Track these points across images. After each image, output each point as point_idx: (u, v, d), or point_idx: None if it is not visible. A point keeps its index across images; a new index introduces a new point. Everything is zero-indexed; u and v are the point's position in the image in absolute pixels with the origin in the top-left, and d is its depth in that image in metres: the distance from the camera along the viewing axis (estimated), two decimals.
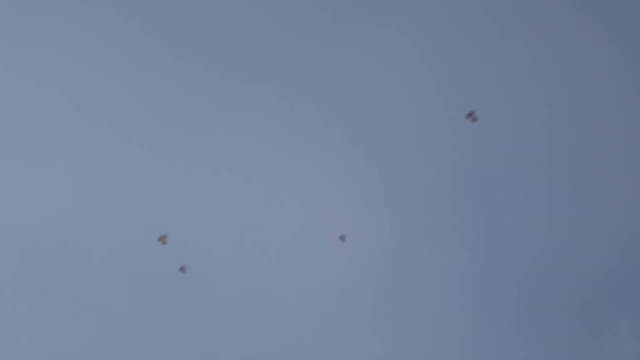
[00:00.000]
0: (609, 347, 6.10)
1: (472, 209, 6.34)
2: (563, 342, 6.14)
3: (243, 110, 6.44)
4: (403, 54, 6.43)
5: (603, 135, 6.30)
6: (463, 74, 6.40)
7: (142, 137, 6.42)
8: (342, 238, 6.38)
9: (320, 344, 6.37)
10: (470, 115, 6.22)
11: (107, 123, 6.38)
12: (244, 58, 6.44)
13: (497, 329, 6.21)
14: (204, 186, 6.46)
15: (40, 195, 6.36)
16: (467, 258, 6.34)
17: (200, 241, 6.41)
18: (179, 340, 6.36)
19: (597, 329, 6.18)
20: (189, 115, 6.44)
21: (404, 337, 6.32)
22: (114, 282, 6.37)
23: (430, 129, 6.39)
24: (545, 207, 6.27)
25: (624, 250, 6.18)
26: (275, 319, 6.41)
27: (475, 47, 6.39)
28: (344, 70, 6.46)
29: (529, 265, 6.24)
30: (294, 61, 6.46)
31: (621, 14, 6.29)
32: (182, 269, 6.34)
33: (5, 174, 6.33)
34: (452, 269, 6.34)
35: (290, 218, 6.47)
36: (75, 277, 6.32)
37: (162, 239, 6.27)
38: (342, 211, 6.47)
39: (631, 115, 6.31)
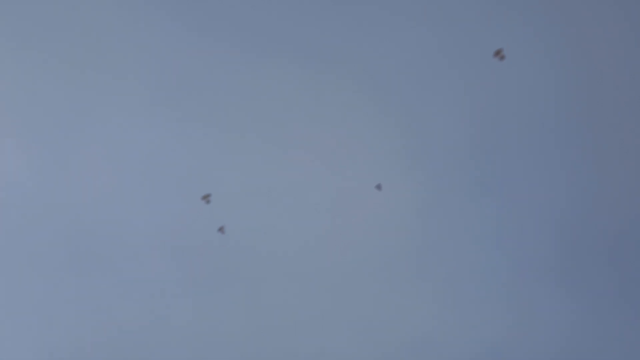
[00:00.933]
0: None
1: (504, 157, 6.31)
2: (599, 286, 6.10)
3: (272, 79, 6.47)
4: (416, 7, 6.46)
5: (632, 81, 6.23)
6: (483, 23, 6.38)
7: (175, 108, 6.47)
8: (379, 187, 6.40)
9: (356, 293, 6.41)
10: (499, 53, 6.17)
11: (140, 96, 6.48)
12: (269, 32, 6.52)
13: (535, 275, 6.18)
14: (239, 152, 6.53)
15: (78, 170, 6.50)
16: (500, 206, 6.31)
17: (238, 205, 6.48)
18: (220, 307, 6.43)
19: (631, 271, 6.13)
20: (219, 87, 6.48)
21: (442, 288, 6.32)
22: (156, 252, 6.49)
23: (454, 82, 6.39)
24: (577, 153, 6.22)
25: None
26: (315, 274, 6.46)
27: None
28: (364, 35, 6.46)
29: (562, 212, 6.20)
30: (313, 32, 6.46)
31: None
32: (221, 230, 6.44)
33: (41, 152, 6.50)
34: (487, 219, 6.32)
35: (326, 175, 6.52)
36: (118, 249, 6.44)
37: (206, 198, 6.37)
38: (376, 166, 6.50)
39: None
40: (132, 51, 6.56)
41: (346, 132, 6.57)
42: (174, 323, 6.49)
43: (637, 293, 6.09)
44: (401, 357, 6.32)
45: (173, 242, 6.58)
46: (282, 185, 6.57)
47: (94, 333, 6.39)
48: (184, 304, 6.51)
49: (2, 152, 6.47)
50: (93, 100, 6.56)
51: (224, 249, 6.56)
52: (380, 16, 6.49)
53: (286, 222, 6.57)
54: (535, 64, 6.33)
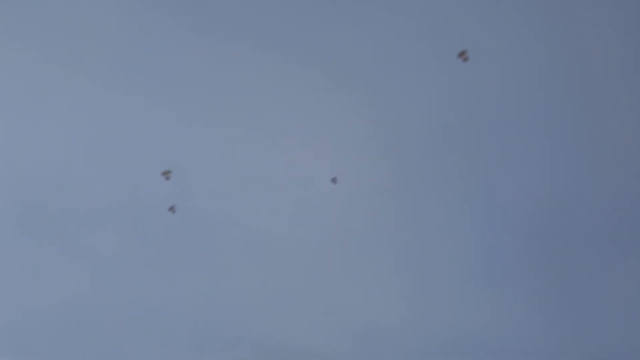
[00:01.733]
0: (611, 286, 5.99)
1: (468, 149, 6.30)
2: (567, 283, 6.04)
3: (236, 61, 6.47)
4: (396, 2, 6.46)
5: (600, 73, 6.22)
6: (455, 14, 6.39)
7: (144, 86, 6.49)
8: (334, 180, 6.34)
9: (311, 285, 6.34)
10: (462, 54, 6.17)
11: (108, 73, 6.44)
12: (239, 15, 6.55)
13: (499, 271, 6.13)
14: (201, 133, 6.50)
15: (39, 139, 6.45)
16: (461, 199, 6.28)
17: (197, 184, 6.44)
18: (172, 281, 6.36)
19: (600, 267, 6.08)
20: (189, 69, 6.48)
21: (395, 281, 6.25)
22: (111, 221, 6.42)
23: (423, 71, 6.37)
24: (544, 146, 6.20)
25: (623, 195, 6.07)
26: (269, 259, 6.41)
27: None
28: (335, 17, 6.49)
29: (530, 206, 6.17)
30: (286, 16, 6.54)
31: None
32: (172, 209, 6.36)
33: (5, 120, 6.45)
34: (448, 212, 6.29)
35: (284, 161, 6.47)
36: (72, 216, 6.37)
37: (166, 174, 6.30)
38: (335, 154, 6.46)
39: (628, 55, 6.23)
40: (101, 33, 6.55)
41: (315, 118, 6.52)
42: (123, 295, 6.39)
43: (607, 285, 6.02)
44: (367, 346, 6.24)
45: (127, 214, 6.50)
46: (245, 165, 6.51)
47: (43, 300, 6.30)
48: (133, 276, 6.42)
49: None
50: (57, 74, 6.53)
51: (177, 226, 6.49)
52: (360, 11, 6.48)
53: (250, 202, 6.51)
54: (509, 62, 6.30)
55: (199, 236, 6.43)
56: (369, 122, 6.48)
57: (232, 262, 6.44)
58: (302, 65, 6.52)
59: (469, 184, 6.24)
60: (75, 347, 6.15)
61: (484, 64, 6.28)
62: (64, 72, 6.58)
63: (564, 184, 6.19)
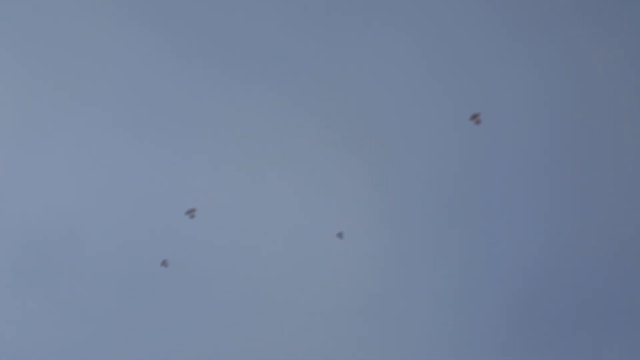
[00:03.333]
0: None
1: (472, 213, 6.30)
2: (552, 356, 6.12)
3: (245, 109, 6.39)
4: (404, 54, 6.37)
5: (602, 146, 6.22)
6: (465, 78, 6.33)
7: (143, 132, 6.35)
8: (340, 235, 6.33)
9: (313, 340, 6.36)
10: (475, 117, 6.12)
11: (106, 118, 6.34)
12: (247, 58, 6.39)
13: (490, 336, 6.19)
14: (204, 183, 6.43)
15: (40, 187, 6.37)
16: (463, 262, 6.30)
17: (200, 237, 6.38)
18: (173, 335, 6.36)
19: (586, 344, 6.16)
20: (192, 114, 6.38)
21: (396, 338, 6.31)
22: (110, 276, 6.38)
23: (432, 132, 6.34)
24: (544, 216, 6.22)
25: (613, 272, 6.12)
26: (271, 315, 6.39)
27: (477, 50, 6.32)
28: (345, 71, 6.40)
29: (525, 273, 6.21)
30: (296, 64, 6.40)
31: (623, 21, 6.19)
32: (164, 264, 6.33)
33: (5, 166, 6.34)
34: (448, 274, 6.31)
35: (289, 215, 6.44)
36: (74, 269, 6.32)
37: (191, 213, 6.25)
38: (341, 210, 6.44)
39: (632, 124, 6.23)
40: (100, 72, 6.40)
41: (321, 174, 6.48)
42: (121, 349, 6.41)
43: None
44: None
45: (127, 266, 6.47)
46: (249, 218, 6.48)
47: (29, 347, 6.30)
48: (135, 328, 6.42)
49: None
50: (57, 118, 6.40)
51: (178, 279, 6.47)
52: (363, 52, 6.39)
53: (249, 254, 6.50)
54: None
55: (194, 292, 6.41)
56: (376, 180, 6.45)
57: (234, 317, 6.45)
58: (310, 123, 6.45)
59: (465, 256, 6.27)
60: None
61: (497, 129, 6.24)
62: (65, 115, 6.46)
63: (561, 263, 6.23)
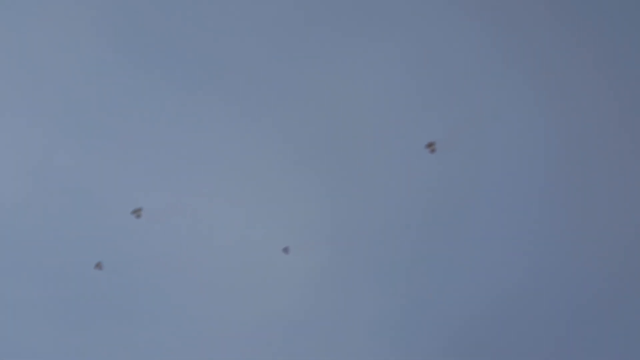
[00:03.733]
0: None
1: (418, 241, 6.21)
2: None
3: (189, 123, 6.26)
4: (365, 66, 6.26)
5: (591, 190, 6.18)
6: (430, 103, 6.24)
7: (83, 132, 6.20)
8: (286, 250, 6.19)
9: (248, 355, 6.22)
10: (430, 145, 6.04)
11: (45, 115, 6.14)
12: (191, 62, 6.26)
13: None
14: (151, 189, 6.24)
15: None
16: (408, 287, 6.21)
17: (141, 244, 6.20)
18: (102, 338, 6.16)
19: None
20: (138, 117, 6.23)
21: (329, 356, 6.19)
22: (41, 276, 6.15)
23: (386, 153, 6.25)
24: (495, 251, 6.16)
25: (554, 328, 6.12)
26: (208, 328, 6.24)
27: (436, 71, 6.23)
28: (297, 83, 6.29)
29: (471, 307, 6.15)
30: (245, 73, 6.31)
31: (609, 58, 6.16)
32: (98, 266, 6.13)
33: None
34: (391, 296, 6.22)
35: (235, 227, 6.29)
36: (5, 268, 6.09)
37: (137, 212, 6.05)
38: (288, 225, 6.30)
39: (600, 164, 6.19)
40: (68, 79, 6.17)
41: (267, 186, 6.33)
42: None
43: None
44: None
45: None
46: (194, 232, 6.29)
47: None
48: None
49: None
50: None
51: (118, 295, 6.25)
52: (321, 70, 6.30)
53: (196, 267, 6.31)
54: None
55: (127, 300, 6.20)
56: (323, 200, 6.32)
57: (159, 328, 6.25)
58: (258, 138, 6.30)
59: (411, 281, 6.18)
60: None
61: (446, 159, 6.16)
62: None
63: (506, 298, 6.18)
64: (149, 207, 6.24)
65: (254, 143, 6.34)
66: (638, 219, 6.15)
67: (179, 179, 6.30)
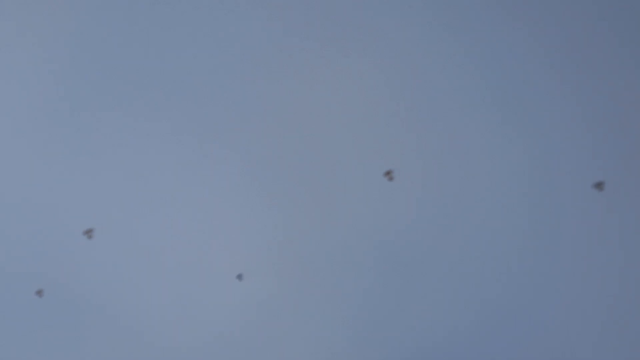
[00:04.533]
0: None
1: (373, 273, 6.07)
2: None
3: (136, 138, 6.14)
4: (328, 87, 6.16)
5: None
6: (386, 131, 6.12)
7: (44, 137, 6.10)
8: (239, 277, 6.03)
9: None
10: (388, 173, 5.94)
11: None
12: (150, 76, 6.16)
13: None
14: (100, 210, 6.11)
15: None
16: (352, 324, 6.06)
17: (91, 276, 6.07)
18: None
19: None
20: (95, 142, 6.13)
21: None
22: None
23: (345, 182, 6.12)
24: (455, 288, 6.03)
25: None
26: (162, 350, 6.10)
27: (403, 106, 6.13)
28: (261, 105, 6.15)
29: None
30: (199, 88, 6.18)
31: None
32: (39, 293, 5.98)
33: None
34: (333, 334, 6.08)
35: (186, 255, 6.14)
36: None
37: (88, 233, 5.94)
38: (240, 251, 6.16)
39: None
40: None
41: (219, 208, 6.20)
42: None
43: None
44: None
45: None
46: (142, 257, 6.16)
47: None
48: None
49: None
50: None
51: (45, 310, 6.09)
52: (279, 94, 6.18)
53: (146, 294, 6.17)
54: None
55: (70, 330, 6.05)
56: (280, 227, 6.21)
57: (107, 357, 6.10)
58: (212, 155, 6.18)
59: (363, 319, 6.04)
60: None
61: (405, 188, 6.06)
62: None
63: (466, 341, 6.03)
64: (101, 227, 6.10)
65: (211, 165, 6.22)
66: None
67: (133, 197, 6.18)
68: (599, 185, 5.90)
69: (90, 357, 6.09)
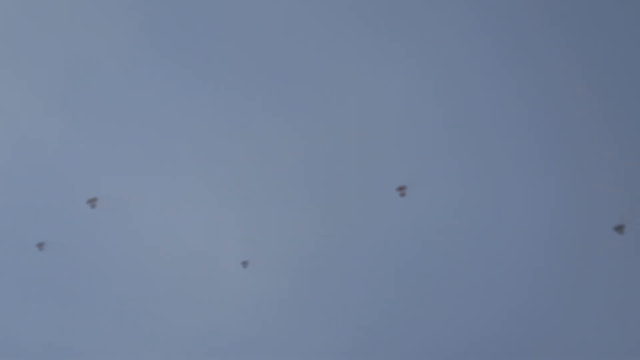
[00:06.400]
0: None
1: (380, 281, 6.29)
2: None
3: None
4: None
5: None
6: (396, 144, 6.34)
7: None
8: (244, 264, 6.20)
9: None
10: (401, 189, 6.17)
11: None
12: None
13: None
14: (112, 189, 6.21)
15: None
16: (357, 324, 6.26)
17: (98, 260, 6.25)
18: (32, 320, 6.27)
19: None
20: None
21: None
22: None
23: (363, 193, 6.34)
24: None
25: None
26: (173, 340, 6.30)
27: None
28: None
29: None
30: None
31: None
32: (40, 246, 6.10)
33: None
34: (338, 332, 6.29)
35: (194, 243, 6.32)
36: None
37: (92, 202, 6.12)
38: (246, 239, 6.33)
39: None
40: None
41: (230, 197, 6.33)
42: None
43: None
44: None
45: None
46: (152, 244, 6.30)
47: None
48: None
49: None
50: None
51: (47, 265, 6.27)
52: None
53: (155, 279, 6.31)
54: None
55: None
56: (283, 216, 6.36)
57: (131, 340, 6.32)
58: (222, 147, 6.30)
59: (367, 320, 6.23)
60: None
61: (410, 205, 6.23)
62: None
63: None
64: (110, 197, 6.18)
65: (234, 150, 6.32)
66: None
67: (149, 173, 6.26)
68: (619, 229, 6.15)
69: (83, 315, 6.25)
